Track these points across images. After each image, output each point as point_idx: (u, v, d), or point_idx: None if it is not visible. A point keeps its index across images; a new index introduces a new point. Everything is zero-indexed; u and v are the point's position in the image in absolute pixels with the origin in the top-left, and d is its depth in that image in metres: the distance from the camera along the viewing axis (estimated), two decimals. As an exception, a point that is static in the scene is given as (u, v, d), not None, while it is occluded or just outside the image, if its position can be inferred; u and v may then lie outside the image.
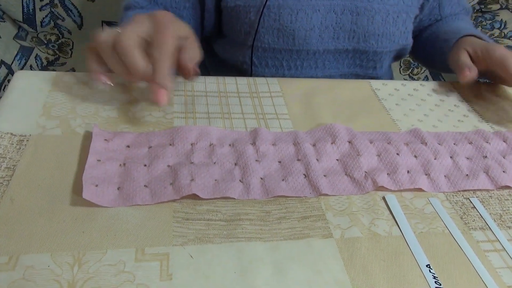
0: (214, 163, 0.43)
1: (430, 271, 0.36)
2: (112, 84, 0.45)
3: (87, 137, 0.44)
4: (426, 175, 0.45)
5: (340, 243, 0.37)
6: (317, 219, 0.39)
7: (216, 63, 0.77)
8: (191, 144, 0.44)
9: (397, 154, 0.47)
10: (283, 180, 0.42)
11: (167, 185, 0.39)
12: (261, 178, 0.42)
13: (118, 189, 0.39)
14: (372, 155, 0.46)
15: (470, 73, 0.58)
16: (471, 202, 0.44)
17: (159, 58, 0.42)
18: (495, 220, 0.42)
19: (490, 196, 0.45)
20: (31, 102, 0.47)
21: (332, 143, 0.47)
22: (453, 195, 0.44)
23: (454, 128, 0.54)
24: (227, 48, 0.71)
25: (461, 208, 0.43)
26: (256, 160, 0.44)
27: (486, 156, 0.49)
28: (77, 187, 0.38)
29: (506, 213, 0.43)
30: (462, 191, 0.45)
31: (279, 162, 0.44)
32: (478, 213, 0.43)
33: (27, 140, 0.42)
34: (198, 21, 0.69)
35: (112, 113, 0.48)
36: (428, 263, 0.37)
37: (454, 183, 0.45)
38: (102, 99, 0.50)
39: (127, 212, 0.37)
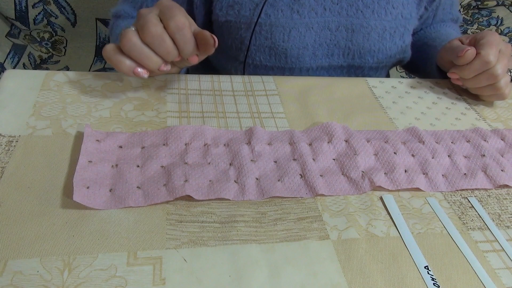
0: (209, 163, 0.42)
1: (428, 273, 0.35)
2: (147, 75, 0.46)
3: (79, 138, 0.43)
4: (423, 174, 0.45)
5: (337, 244, 0.37)
6: (314, 220, 0.39)
7: (210, 69, 0.76)
8: (185, 144, 0.44)
9: (394, 153, 0.46)
10: (279, 180, 0.41)
11: (160, 186, 0.39)
12: (257, 179, 0.41)
13: (110, 191, 0.38)
14: (369, 154, 0.46)
15: (470, 49, 0.54)
16: (469, 202, 0.43)
17: (184, 41, 0.44)
18: (493, 220, 0.42)
19: (489, 195, 0.44)
20: (20, 102, 0.46)
21: (328, 142, 0.46)
22: (451, 195, 0.44)
23: (452, 126, 0.54)
24: (219, 57, 0.70)
25: (459, 207, 0.42)
26: (252, 160, 0.43)
27: (484, 155, 0.48)
28: (68, 190, 0.37)
29: (505, 212, 0.43)
30: (460, 190, 0.44)
31: (275, 162, 0.44)
32: (476, 213, 0.42)
33: (17, 141, 0.41)
34: None
35: (104, 113, 0.47)
36: (427, 265, 0.36)
37: (452, 182, 0.44)
38: (94, 98, 0.49)
39: (119, 215, 0.36)
